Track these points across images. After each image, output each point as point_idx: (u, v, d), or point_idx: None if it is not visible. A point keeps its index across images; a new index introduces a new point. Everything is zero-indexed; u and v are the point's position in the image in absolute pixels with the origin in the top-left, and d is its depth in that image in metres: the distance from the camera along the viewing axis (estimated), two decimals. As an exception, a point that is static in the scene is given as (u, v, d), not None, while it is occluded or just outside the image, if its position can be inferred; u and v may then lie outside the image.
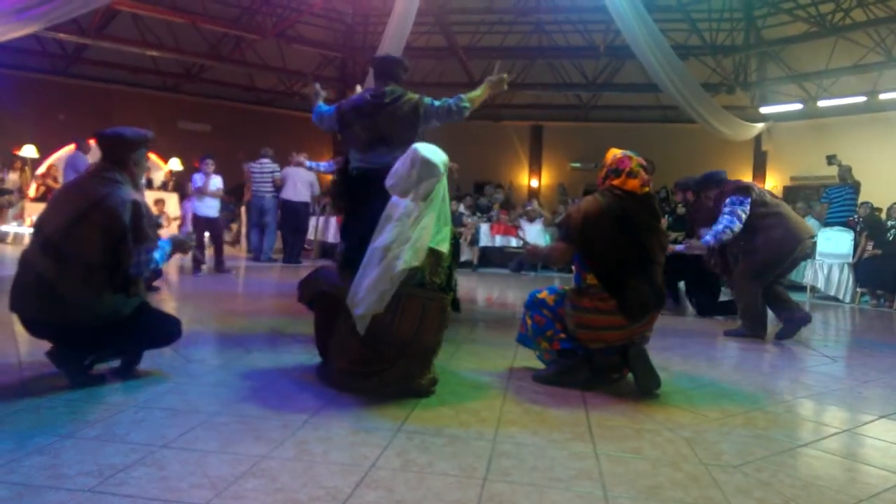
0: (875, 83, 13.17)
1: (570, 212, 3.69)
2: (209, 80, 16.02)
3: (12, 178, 12.94)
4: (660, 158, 14.78)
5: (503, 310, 7.13)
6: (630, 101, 16.25)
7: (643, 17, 10.32)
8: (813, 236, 6.52)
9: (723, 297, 6.86)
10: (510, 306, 7.23)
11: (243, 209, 12.41)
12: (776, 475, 2.36)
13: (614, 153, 3.62)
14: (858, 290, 9.16)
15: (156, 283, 6.57)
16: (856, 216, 9.71)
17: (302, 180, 10.71)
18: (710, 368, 4.22)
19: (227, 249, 9.70)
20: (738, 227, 5.16)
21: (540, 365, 3.72)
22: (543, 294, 3.66)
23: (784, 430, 2.96)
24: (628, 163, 3.53)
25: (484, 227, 12.33)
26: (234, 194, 13.04)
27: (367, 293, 2.96)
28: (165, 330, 3.34)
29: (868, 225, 9.36)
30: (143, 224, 3.07)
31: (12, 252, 9.91)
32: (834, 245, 9.50)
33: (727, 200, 5.28)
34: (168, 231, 11.14)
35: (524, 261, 10.95)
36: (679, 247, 5.76)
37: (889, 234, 9.07)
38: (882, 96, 12.91)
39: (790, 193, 14.57)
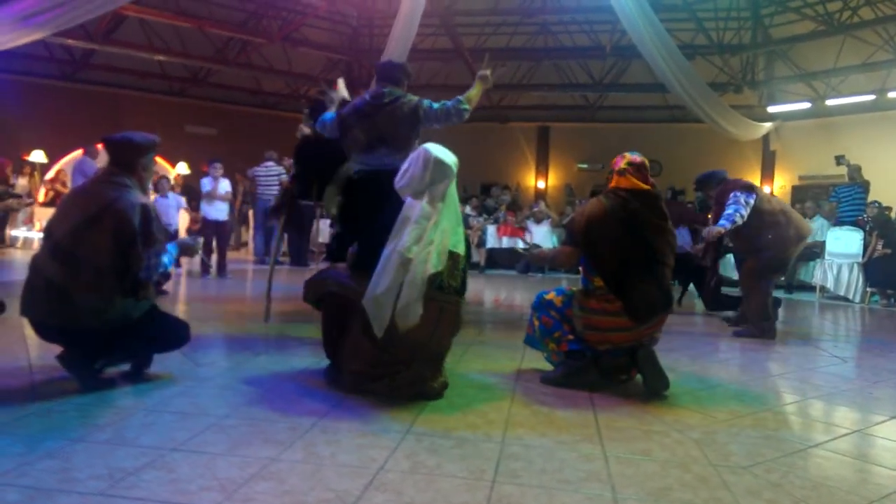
0: (884, 81, 13.08)
1: (574, 215, 3.70)
2: (216, 84, 16.09)
3: (21, 183, 13.01)
4: (667, 158, 14.80)
5: (510, 311, 7.13)
6: (637, 101, 16.21)
7: (649, 16, 10.28)
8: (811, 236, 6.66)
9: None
10: (517, 308, 7.22)
11: (250, 212, 12.44)
12: (786, 476, 2.35)
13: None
14: (868, 289, 9.10)
15: (164, 287, 6.59)
16: (864, 216, 9.66)
17: None
18: (719, 369, 4.20)
19: (229, 253, 9.70)
20: (745, 212, 5.26)
21: (548, 366, 3.72)
22: (551, 295, 3.65)
23: (794, 431, 2.95)
24: (619, 161, 3.59)
25: (491, 229, 12.33)
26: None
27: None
28: (174, 333, 3.36)
29: (878, 224, 9.29)
30: (152, 228, 3.08)
31: (22, 257, 9.98)
32: (843, 245, 9.44)
33: (733, 193, 5.37)
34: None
35: (530, 263, 10.99)
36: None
37: (899, 233, 9.01)
38: (891, 94, 12.82)
39: (799, 193, 14.48)
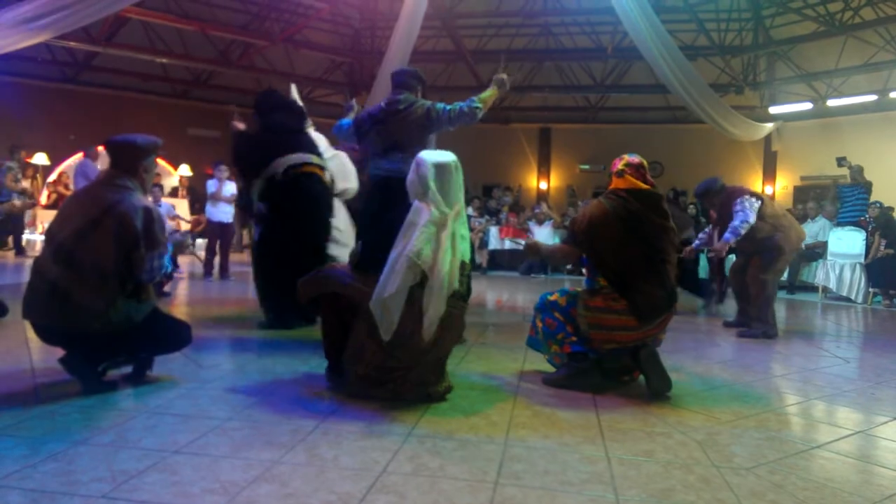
0: (885, 82, 13.08)
1: (575, 217, 3.71)
2: (218, 87, 16.10)
3: (24, 185, 13.02)
4: (668, 159, 14.81)
5: (513, 313, 7.12)
6: (638, 102, 16.22)
7: (651, 17, 10.29)
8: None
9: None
10: (520, 310, 7.22)
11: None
12: (789, 477, 2.35)
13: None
14: (871, 290, 9.08)
15: (165, 288, 6.60)
16: (867, 216, 9.64)
17: None
18: (722, 370, 4.20)
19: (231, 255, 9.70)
20: (753, 219, 5.44)
21: (550, 368, 3.72)
22: (555, 296, 3.65)
23: (797, 432, 2.94)
24: (617, 164, 3.63)
25: (493, 230, 12.33)
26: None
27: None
28: (176, 335, 3.36)
29: (880, 224, 9.28)
30: (155, 230, 3.09)
31: (24, 260, 9.99)
32: (846, 245, 9.43)
33: (740, 199, 5.53)
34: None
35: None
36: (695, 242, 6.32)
37: (902, 234, 8.99)
38: (892, 95, 12.82)
39: (801, 193, 14.48)
